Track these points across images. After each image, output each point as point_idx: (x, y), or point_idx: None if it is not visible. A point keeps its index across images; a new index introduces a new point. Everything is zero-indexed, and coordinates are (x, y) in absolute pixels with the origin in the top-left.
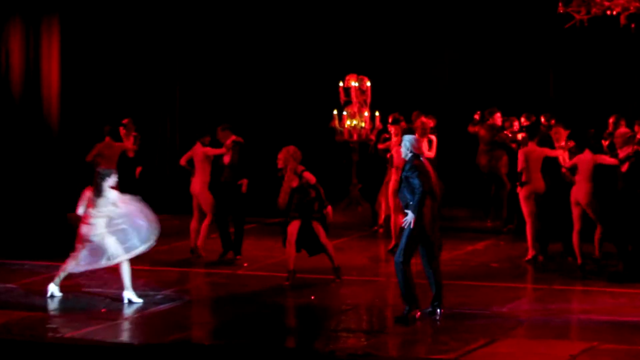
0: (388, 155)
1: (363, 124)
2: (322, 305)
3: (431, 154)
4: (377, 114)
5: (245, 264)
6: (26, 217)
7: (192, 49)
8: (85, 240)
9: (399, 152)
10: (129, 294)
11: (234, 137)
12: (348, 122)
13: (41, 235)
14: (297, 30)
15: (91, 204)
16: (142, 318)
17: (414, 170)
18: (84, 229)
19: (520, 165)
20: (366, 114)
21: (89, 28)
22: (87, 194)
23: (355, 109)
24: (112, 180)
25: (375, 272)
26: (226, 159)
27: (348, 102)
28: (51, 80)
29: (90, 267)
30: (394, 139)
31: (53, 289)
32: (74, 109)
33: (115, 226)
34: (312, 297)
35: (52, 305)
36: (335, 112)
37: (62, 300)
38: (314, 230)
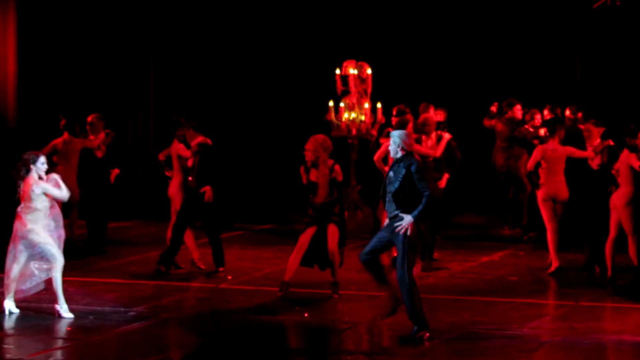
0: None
1: (363, 117)
2: (317, 324)
3: (436, 152)
4: (379, 105)
5: (230, 277)
6: None
7: (168, 29)
8: (22, 241)
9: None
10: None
11: (200, 139)
12: (346, 115)
13: None
14: (289, 11)
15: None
16: (112, 338)
17: (421, 171)
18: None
19: (530, 163)
20: (366, 105)
21: (49, 8)
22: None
23: (354, 100)
24: (41, 167)
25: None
26: (190, 162)
27: (346, 92)
28: (6, 65)
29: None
30: None
31: (9, 305)
32: (31, 98)
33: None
34: (306, 315)
35: (10, 323)
36: (331, 103)
37: (22, 318)
38: (327, 235)
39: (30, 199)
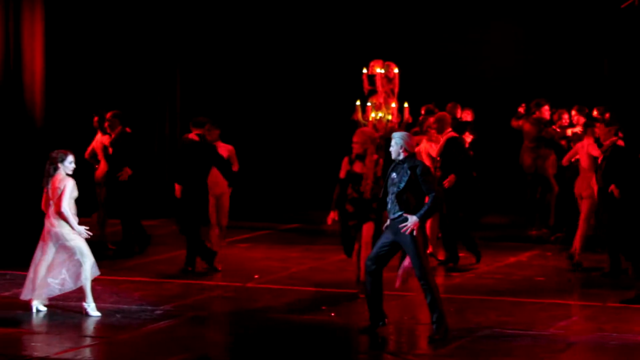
0: (417, 150)
1: (390, 117)
2: (343, 323)
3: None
4: (405, 105)
5: (257, 276)
6: (5, 220)
7: (196, 28)
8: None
9: (429, 149)
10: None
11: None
12: (373, 115)
13: (23, 241)
14: (316, 12)
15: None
16: (139, 336)
17: (426, 173)
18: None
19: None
20: (393, 105)
21: (77, 5)
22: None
23: (381, 100)
24: (69, 166)
25: (403, 286)
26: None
27: (373, 92)
28: (34, 65)
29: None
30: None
31: (37, 303)
32: (59, 96)
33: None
34: (332, 314)
35: (38, 321)
36: (358, 103)
37: (49, 316)
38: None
39: (59, 199)
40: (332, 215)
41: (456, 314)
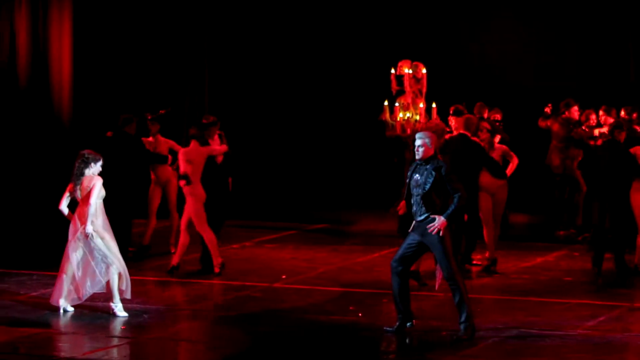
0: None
1: (418, 117)
2: (370, 324)
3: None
4: (433, 105)
5: (284, 276)
6: (34, 221)
7: (223, 26)
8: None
9: None
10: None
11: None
12: (401, 115)
13: (51, 242)
14: (345, 11)
15: (77, 195)
16: (166, 337)
17: (451, 173)
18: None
19: None
20: (421, 105)
21: (105, 4)
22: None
23: (409, 100)
24: (97, 168)
25: (431, 286)
26: (220, 159)
27: (401, 92)
28: (62, 65)
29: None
30: (454, 133)
31: (64, 303)
32: (87, 97)
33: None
34: (360, 315)
35: (65, 321)
36: (386, 103)
37: (76, 316)
38: None
39: (87, 198)
40: (403, 204)
41: (483, 314)
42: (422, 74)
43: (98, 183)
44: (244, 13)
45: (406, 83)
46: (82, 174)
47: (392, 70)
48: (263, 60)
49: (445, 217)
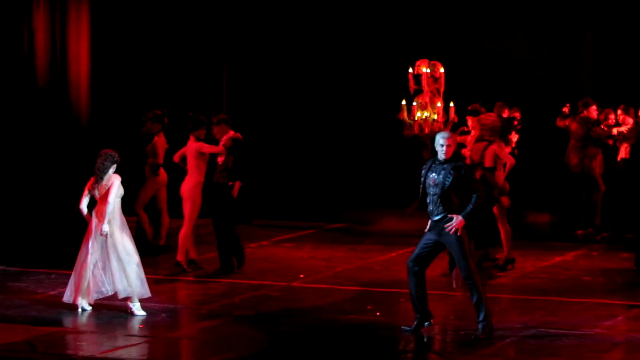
0: (464, 152)
1: (435, 116)
2: (388, 323)
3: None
4: (451, 104)
5: (302, 275)
6: (52, 220)
7: (242, 26)
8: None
9: (477, 149)
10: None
11: (232, 133)
12: (418, 114)
13: (69, 241)
14: (362, 11)
15: (96, 194)
16: (184, 336)
17: (471, 172)
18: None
19: None
20: (439, 104)
21: (123, 4)
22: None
23: (427, 99)
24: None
25: (449, 285)
26: (220, 159)
27: (419, 91)
28: (80, 64)
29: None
30: (472, 133)
31: (82, 302)
32: (105, 96)
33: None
34: (378, 314)
35: (83, 320)
36: (404, 102)
37: (94, 315)
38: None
39: (106, 197)
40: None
41: (501, 314)
42: (440, 73)
43: (117, 181)
44: (263, 12)
45: (424, 82)
46: (106, 172)
47: (410, 70)
48: (282, 60)
49: (463, 216)
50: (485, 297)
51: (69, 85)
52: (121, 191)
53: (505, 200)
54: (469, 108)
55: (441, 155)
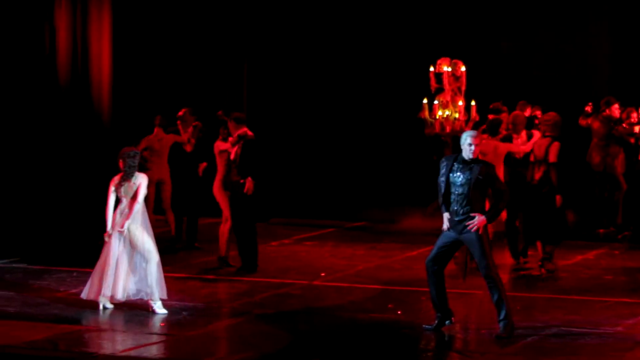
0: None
1: (457, 115)
2: (410, 322)
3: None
4: (473, 103)
5: (323, 274)
6: (74, 218)
7: (263, 25)
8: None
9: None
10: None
11: (241, 131)
12: (440, 113)
13: (91, 239)
14: (383, 10)
15: (121, 193)
16: (205, 334)
17: (494, 171)
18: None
19: None
20: (460, 103)
21: (144, 3)
22: (116, 180)
23: (448, 98)
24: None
25: (470, 283)
26: (232, 155)
27: (440, 90)
28: (101, 63)
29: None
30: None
31: (104, 300)
32: (127, 95)
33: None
34: (399, 312)
35: (104, 318)
36: (425, 101)
37: (115, 313)
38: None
39: (135, 196)
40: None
41: (523, 312)
42: (461, 71)
43: (144, 181)
44: (283, 11)
45: (445, 81)
46: (135, 169)
47: (431, 68)
48: (303, 59)
49: (486, 216)
50: (506, 296)
51: (90, 84)
52: (145, 191)
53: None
54: (491, 107)
55: (469, 155)
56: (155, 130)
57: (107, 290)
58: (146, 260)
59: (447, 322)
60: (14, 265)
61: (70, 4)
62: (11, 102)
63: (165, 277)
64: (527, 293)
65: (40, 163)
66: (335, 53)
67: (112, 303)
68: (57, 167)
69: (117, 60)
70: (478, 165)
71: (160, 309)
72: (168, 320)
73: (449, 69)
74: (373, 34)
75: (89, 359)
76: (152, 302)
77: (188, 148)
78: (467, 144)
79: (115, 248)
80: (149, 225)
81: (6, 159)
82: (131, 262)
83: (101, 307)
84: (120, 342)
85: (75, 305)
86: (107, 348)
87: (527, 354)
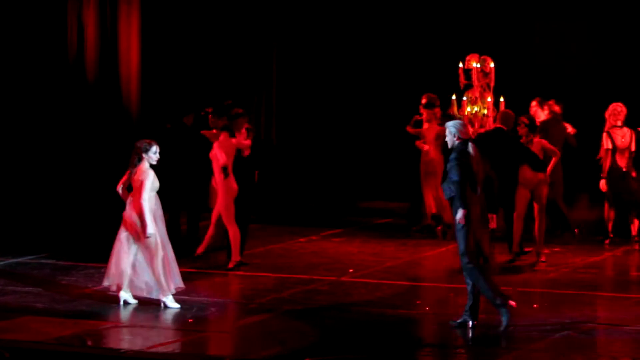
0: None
1: (485, 111)
2: (438, 317)
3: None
4: (501, 99)
5: (351, 270)
6: (102, 214)
7: (292, 21)
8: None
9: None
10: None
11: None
12: (468, 109)
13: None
14: (412, 5)
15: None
16: (233, 330)
17: (454, 160)
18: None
19: None
20: (489, 99)
21: (173, 1)
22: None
23: (477, 94)
24: (153, 156)
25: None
26: (247, 152)
27: (469, 86)
28: (130, 58)
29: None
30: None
31: (125, 295)
32: (156, 91)
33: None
34: (427, 308)
35: (131, 314)
36: (454, 97)
37: (142, 309)
38: None
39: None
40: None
41: (551, 309)
42: (490, 67)
43: (150, 176)
44: (313, 8)
45: (474, 77)
46: (135, 165)
47: (460, 64)
48: (331, 55)
49: (460, 207)
50: (489, 288)
51: (119, 79)
52: (156, 184)
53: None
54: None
55: (449, 144)
56: (223, 134)
57: (127, 286)
58: (151, 255)
59: (472, 320)
60: (42, 261)
61: (99, 1)
62: (40, 99)
63: (194, 273)
64: (556, 289)
65: (69, 159)
66: (364, 49)
67: (135, 298)
68: (86, 163)
69: (145, 56)
70: (453, 153)
71: (172, 303)
72: (196, 316)
73: (478, 65)
74: (402, 30)
75: (116, 355)
76: (162, 297)
77: (246, 152)
78: (446, 133)
79: (126, 241)
80: (161, 218)
81: (35, 155)
82: (147, 258)
83: (122, 302)
84: (147, 338)
85: (103, 301)
86: (135, 344)
87: (555, 350)
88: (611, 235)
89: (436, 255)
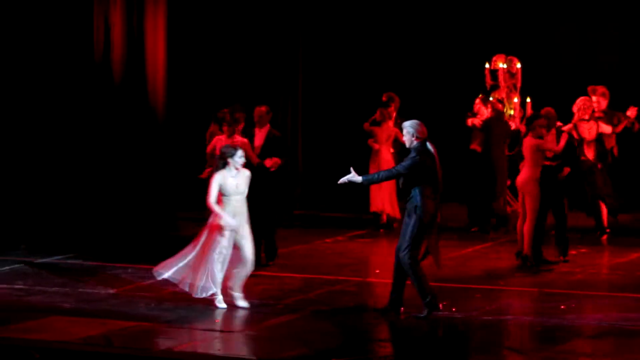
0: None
1: (512, 112)
2: (464, 318)
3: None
4: (528, 100)
5: (377, 271)
6: (129, 214)
7: (317, 22)
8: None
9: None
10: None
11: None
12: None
13: (146, 236)
14: (439, 6)
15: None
16: (260, 331)
17: (412, 158)
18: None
19: None
20: (516, 100)
21: (199, 1)
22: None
23: (504, 94)
24: (238, 160)
25: (523, 281)
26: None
27: (495, 87)
28: (157, 58)
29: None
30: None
31: (233, 301)
32: (182, 90)
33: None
34: (453, 309)
35: (159, 314)
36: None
37: (171, 309)
38: None
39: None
40: None
41: (577, 310)
42: (517, 68)
43: (217, 177)
44: (339, 8)
45: (500, 78)
46: (218, 170)
47: (487, 65)
48: (358, 56)
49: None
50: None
51: (146, 79)
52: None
53: None
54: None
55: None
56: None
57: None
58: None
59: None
60: (69, 261)
61: (126, 1)
62: (67, 99)
63: None
64: (581, 291)
65: (96, 158)
66: (390, 50)
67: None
68: (113, 163)
69: (172, 56)
70: (411, 152)
71: (220, 304)
72: (223, 317)
73: (505, 66)
74: (429, 30)
75: (143, 355)
76: (215, 298)
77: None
78: (403, 133)
79: (219, 244)
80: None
81: (63, 155)
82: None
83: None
84: (175, 339)
85: (130, 301)
86: (162, 344)
87: (582, 352)
88: (607, 230)
89: (461, 256)
